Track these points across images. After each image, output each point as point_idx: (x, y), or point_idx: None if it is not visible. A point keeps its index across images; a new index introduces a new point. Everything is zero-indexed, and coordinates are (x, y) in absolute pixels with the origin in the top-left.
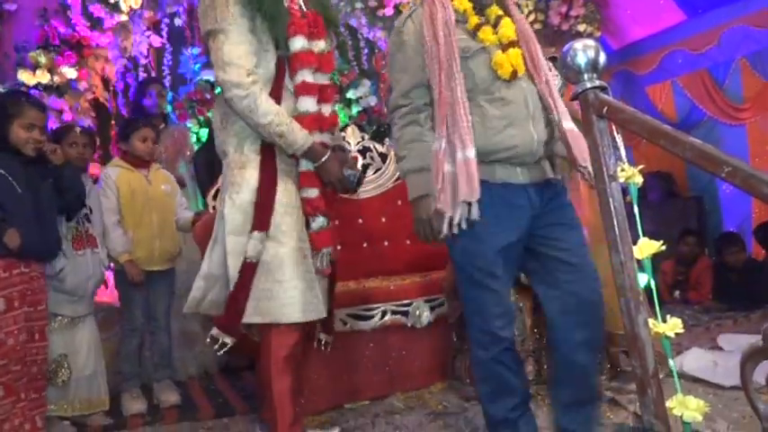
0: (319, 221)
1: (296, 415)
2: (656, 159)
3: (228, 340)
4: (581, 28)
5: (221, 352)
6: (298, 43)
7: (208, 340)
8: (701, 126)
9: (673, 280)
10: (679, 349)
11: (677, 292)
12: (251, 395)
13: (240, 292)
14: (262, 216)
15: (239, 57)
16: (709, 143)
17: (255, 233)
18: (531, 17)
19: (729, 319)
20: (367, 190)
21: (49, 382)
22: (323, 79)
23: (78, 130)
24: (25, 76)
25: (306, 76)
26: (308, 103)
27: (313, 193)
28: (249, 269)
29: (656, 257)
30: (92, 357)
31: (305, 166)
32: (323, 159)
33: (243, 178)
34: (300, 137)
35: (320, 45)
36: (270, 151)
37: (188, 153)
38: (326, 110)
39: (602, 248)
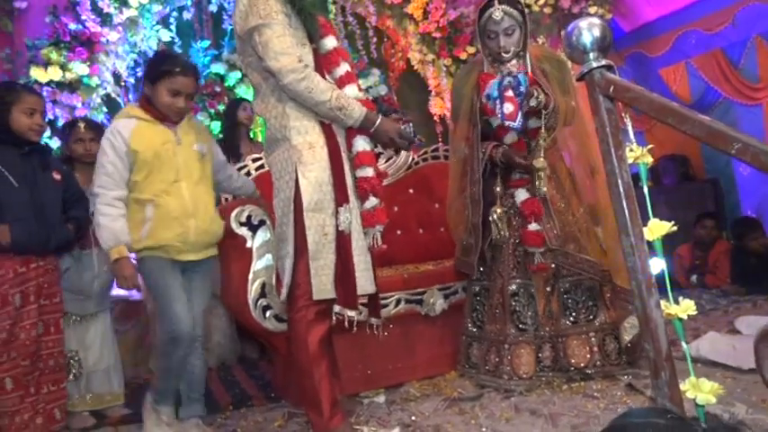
0: (373, 201)
1: (335, 399)
2: (670, 143)
3: (353, 314)
4: (592, 10)
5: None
6: (330, 43)
7: (335, 318)
8: (717, 107)
9: (690, 264)
10: (696, 333)
11: (694, 277)
12: (267, 384)
13: (348, 264)
14: (341, 190)
15: (288, 46)
16: (725, 124)
17: (343, 206)
18: (542, 1)
19: (749, 302)
20: None
21: None
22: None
23: (83, 125)
24: (38, 73)
25: (346, 67)
26: (354, 90)
27: (369, 172)
28: (346, 242)
29: (672, 241)
30: (105, 353)
31: (361, 146)
32: (378, 122)
33: (314, 158)
34: (357, 107)
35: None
36: (331, 131)
37: None
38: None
39: (606, 221)
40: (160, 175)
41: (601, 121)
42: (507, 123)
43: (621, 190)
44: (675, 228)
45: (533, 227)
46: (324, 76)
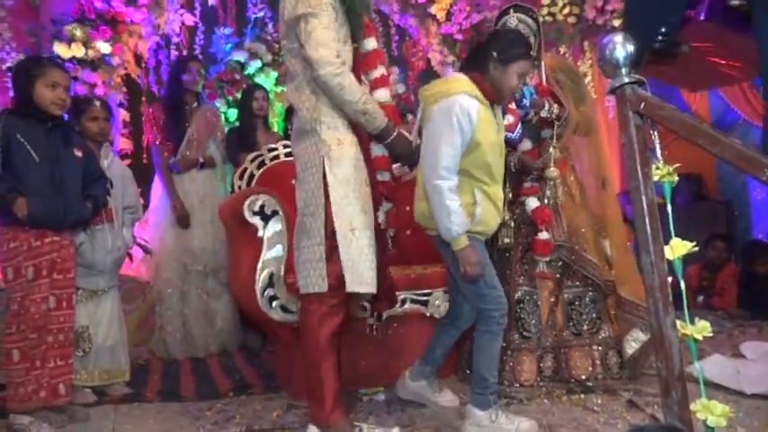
0: (386, 205)
1: (339, 394)
2: (685, 161)
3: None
4: (616, 23)
5: None
6: (371, 44)
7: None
8: (736, 129)
9: (697, 285)
10: (701, 355)
11: (701, 298)
12: (268, 374)
13: (385, 261)
14: (375, 188)
15: (331, 39)
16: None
17: (383, 204)
18: (566, 10)
19: (754, 327)
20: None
21: None
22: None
23: (98, 103)
24: (61, 49)
25: (382, 71)
26: (384, 94)
27: (386, 176)
28: (385, 238)
29: (682, 261)
30: (113, 329)
31: (378, 151)
32: (393, 135)
33: (342, 154)
34: (380, 116)
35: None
36: (360, 131)
37: (219, 134)
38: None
39: (614, 232)
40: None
41: (629, 137)
42: (506, 134)
43: (645, 207)
44: (697, 248)
45: (543, 235)
46: (360, 76)
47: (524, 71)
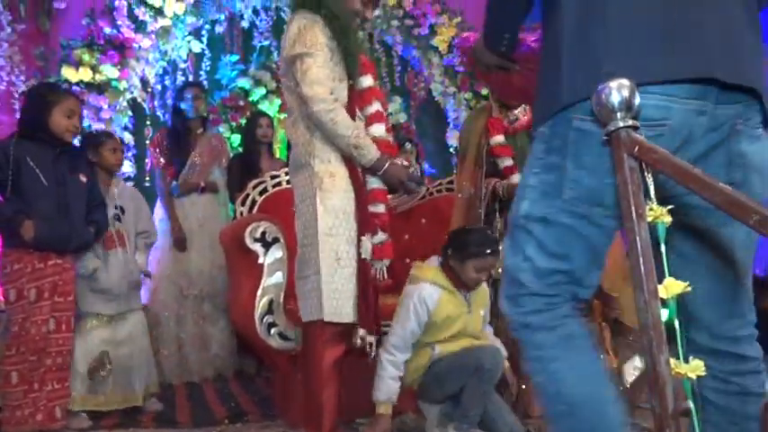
0: (380, 236)
1: (336, 423)
2: None
3: (373, 339)
4: None
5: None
6: (366, 81)
7: (358, 341)
8: None
9: None
10: None
11: None
12: (264, 400)
13: (367, 291)
14: (364, 220)
15: (325, 78)
16: None
17: (366, 235)
18: None
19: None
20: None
21: (90, 378)
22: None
23: (117, 137)
24: (69, 73)
25: (377, 106)
26: (380, 129)
27: (381, 208)
28: (368, 269)
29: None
30: (132, 353)
31: (374, 183)
32: (385, 167)
33: (334, 186)
34: (372, 149)
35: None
36: (353, 164)
37: (224, 160)
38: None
39: (614, 261)
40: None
41: (623, 179)
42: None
43: (639, 248)
44: (690, 288)
45: None
46: (355, 112)
47: (483, 267)
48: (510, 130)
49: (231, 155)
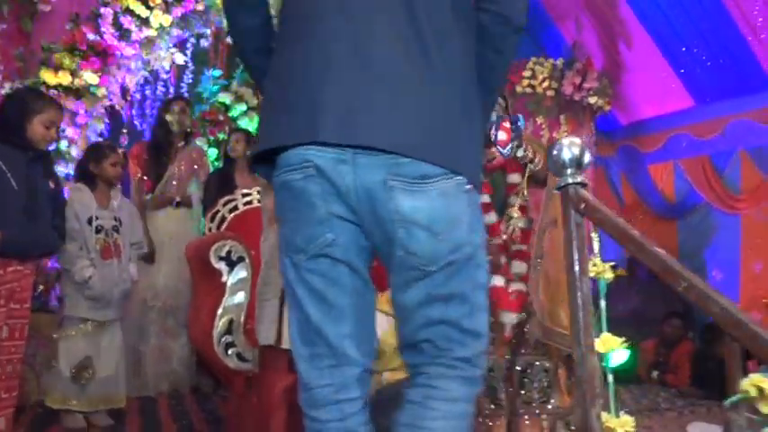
0: None
1: None
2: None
3: None
4: (592, 100)
5: None
6: None
7: None
8: (698, 210)
9: (653, 360)
10: None
11: (655, 373)
12: (218, 419)
13: None
14: None
15: None
16: (704, 228)
17: None
18: (545, 84)
19: (704, 407)
20: None
21: (72, 381)
22: None
23: (120, 151)
24: (47, 76)
25: None
26: None
27: None
28: None
29: (640, 333)
30: (114, 360)
31: None
32: None
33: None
34: None
35: None
36: None
37: (201, 174)
38: None
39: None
40: None
41: (568, 234)
42: (498, 149)
43: (580, 302)
44: (625, 345)
45: (507, 319)
46: None
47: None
48: (487, 168)
49: (211, 169)
